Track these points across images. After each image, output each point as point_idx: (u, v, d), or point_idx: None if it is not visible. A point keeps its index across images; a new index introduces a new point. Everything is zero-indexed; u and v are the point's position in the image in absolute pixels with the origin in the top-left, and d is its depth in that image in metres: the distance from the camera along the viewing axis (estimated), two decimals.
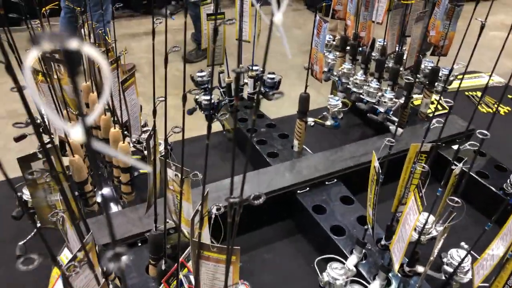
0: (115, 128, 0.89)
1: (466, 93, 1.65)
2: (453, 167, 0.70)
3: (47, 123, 0.73)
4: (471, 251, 0.74)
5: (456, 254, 0.77)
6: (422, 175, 0.75)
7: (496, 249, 0.64)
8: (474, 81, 1.72)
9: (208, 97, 1.20)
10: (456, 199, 0.63)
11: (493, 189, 1.03)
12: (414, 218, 0.62)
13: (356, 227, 0.89)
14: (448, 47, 1.28)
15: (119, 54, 0.91)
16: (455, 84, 1.70)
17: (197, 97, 1.22)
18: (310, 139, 1.18)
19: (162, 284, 0.64)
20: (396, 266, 0.70)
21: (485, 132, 0.69)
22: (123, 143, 0.87)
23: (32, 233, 0.81)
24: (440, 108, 1.54)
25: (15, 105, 1.63)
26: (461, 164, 0.71)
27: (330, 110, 1.13)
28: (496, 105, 1.57)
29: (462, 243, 0.80)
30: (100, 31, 0.94)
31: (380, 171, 0.67)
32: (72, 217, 0.49)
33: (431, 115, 1.47)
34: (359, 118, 1.44)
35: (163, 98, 0.61)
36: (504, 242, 0.61)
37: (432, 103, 1.58)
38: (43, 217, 0.64)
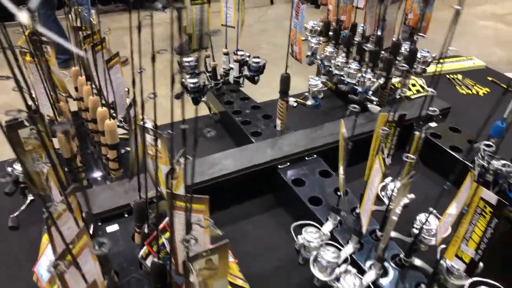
0: (102, 108, 0.93)
1: (448, 75, 1.70)
2: (417, 132, 0.75)
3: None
4: (437, 214, 0.80)
5: (424, 218, 0.82)
6: (391, 143, 0.80)
7: (454, 208, 0.69)
8: (455, 65, 1.77)
9: (194, 80, 1.24)
10: (412, 156, 0.68)
11: (466, 161, 1.07)
12: (378, 179, 0.67)
13: (333, 198, 0.94)
14: (426, 28, 1.33)
15: (103, 35, 0.95)
16: (438, 68, 1.76)
17: (183, 80, 1.26)
18: (293, 119, 1.23)
19: (145, 246, 0.69)
20: (364, 228, 0.75)
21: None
22: (110, 120, 0.91)
23: (24, 205, 0.85)
24: (421, 90, 1.59)
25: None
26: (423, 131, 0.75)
27: (310, 90, 1.17)
28: (475, 87, 1.63)
29: (430, 208, 0.85)
30: (85, 14, 0.98)
31: (347, 137, 0.71)
32: (59, 180, 0.53)
33: (412, 96, 1.52)
34: (341, 100, 1.49)
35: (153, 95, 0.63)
36: (461, 200, 0.66)
37: (414, 85, 1.64)
38: (33, 184, 0.69)
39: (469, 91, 1.60)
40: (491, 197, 0.59)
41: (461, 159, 1.06)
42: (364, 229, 0.74)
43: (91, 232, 0.60)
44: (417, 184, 0.71)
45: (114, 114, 0.99)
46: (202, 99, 1.28)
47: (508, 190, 0.92)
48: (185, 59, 1.28)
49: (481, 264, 0.76)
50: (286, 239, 0.94)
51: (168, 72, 0.50)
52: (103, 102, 0.94)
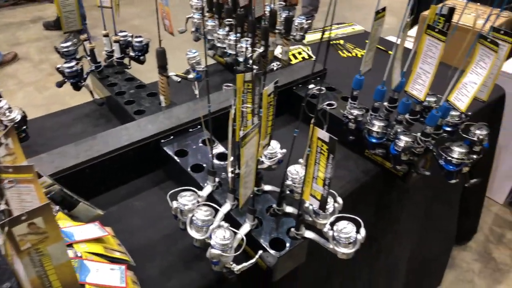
0: None
1: (331, 42, 1.81)
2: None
3: None
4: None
5: (293, 169, 0.89)
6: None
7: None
8: (337, 31, 1.89)
9: (70, 64, 1.19)
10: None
11: (339, 116, 1.16)
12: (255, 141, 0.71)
13: (215, 163, 0.97)
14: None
15: None
16: (317, 36, 1.86)
17: (58, 66, 1.21)
18: (182, 95, 1.23)
19: None
20: (241, 189, 0.79)
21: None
22: None
23: None
24: (306, 56, 1.68)
25: None
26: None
27: (189, 62, 1.18)
28: (355, 50, 1.75)
29: (300, 159, 0.92)
30: None
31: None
32: None
33: (294, 62, 1.60)
34: (232, 74, 1.52)
35: None
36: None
37: (300, 53, 1.72)
38: None
39: (350, 54, 1.72)
40: (325, 135, 0.65)
41: (341, 118, 1.13)
42: (240, 199, 0.77)
43: None
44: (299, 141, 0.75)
45: None
46: (83, 84, 1.24)
47: (368, 134, 1.02)
48: (62, 44, 1.23)
49: (340, 201, 0.85)
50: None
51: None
52: None
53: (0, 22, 4.38)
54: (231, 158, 0.83)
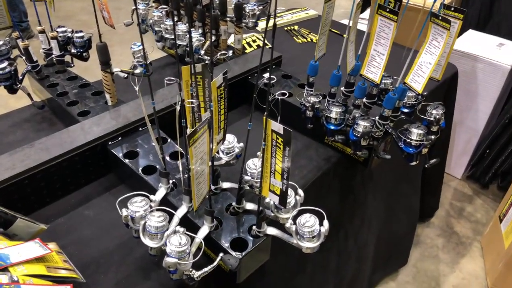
0: None
1: (285, 28, 1.77)
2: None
3: None
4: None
5: (251, 163, 0.84)
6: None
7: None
8: (291, 17, 1.85)
9: (1, 66, 1.09)
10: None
11: (296, 105, 1.13)
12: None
13: (168, 164, 0.91)
14: None
15: None
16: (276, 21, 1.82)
17: None
18: (130, 92, 1.15)
19: None
20: (193, 186, 0.73)
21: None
22: None
23: None
24: (261, 44, 1.63)
25: None
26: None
27: (134, 56, 1.11)
28: (310, 35, 1.72)
29: (258, 153, 0.87)
30: None
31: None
32: None
33: (248, 51, 1.55)
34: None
35: None
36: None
37: (255, 41, 1.67)
38: None
39: (305, 40, 1.69)
40: (279, 127, 0.61)
41: (297, 106, 1.10)
42: (193, 187, 0.72)
43: None
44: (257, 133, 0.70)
45: None
46: (19, 86, 1.13)
47: (326, 122, 0.99)
48: None
49: (301, 193, 0.81)
50: None
51: None
52: None
53: None
54: (183, 159, 0.78)
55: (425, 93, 1.03)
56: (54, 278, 0.65)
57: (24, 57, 1.20)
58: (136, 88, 0.70)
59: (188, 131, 0.59)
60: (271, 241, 0.82)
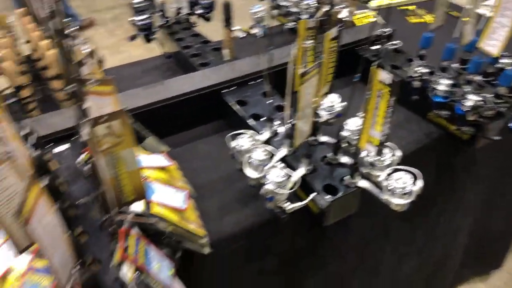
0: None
1: (399, 7, 1.73)
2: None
3: None
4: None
5: (352, 121, 0.89)
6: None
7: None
8: None
9: (141, 17, 1.27)
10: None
11: (403, 77, 1.13)
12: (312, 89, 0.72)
13: (273, 113, 1.00)
14: None
15: None
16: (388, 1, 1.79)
17: (131, 18, 1.28)
18: (245, 51, 1.26)
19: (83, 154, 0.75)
20: (297, 134, 0.81)
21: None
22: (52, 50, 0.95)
23: None
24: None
25: None
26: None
27: (253, 17, 1.20)
28: (426, 16, 1.67)
29: (359, 113, 0.91)
30: None
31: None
32: None
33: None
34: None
35: None
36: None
37: (366, 18, 1.67)
38: None
39: (420, 20, 1.64)
40: (387, 77, 0.65)
41: (405, 79, 1.10)
42: (297, 135, 0.79)
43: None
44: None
45: None
46: (153, 37, 1.31)
47: (433, 94, 0.98)
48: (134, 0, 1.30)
49: (398, 153, 0.84)
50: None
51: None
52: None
53: None
54: (289, 99, 0.84)
55: None
56: (183, 231, 0.74)
57: (159, 13, 1.38)
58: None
59: (301, 70, 0.66)
60: (361, 196, 0.86)
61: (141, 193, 0.58)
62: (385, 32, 1.29)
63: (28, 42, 1.10)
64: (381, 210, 0.98)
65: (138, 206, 0.66)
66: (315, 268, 1.02)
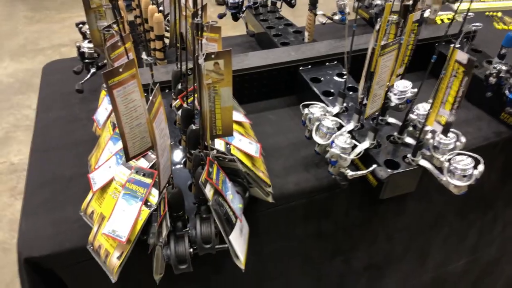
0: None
1: (486, 13, 1.70)
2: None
3: None
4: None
5: (421, 106, 0.93)
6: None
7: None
8: (496, 3, 1.76)
9: None
10: None
11: (479, 76, 1.14)
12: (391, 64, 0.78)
13: (346, 93, 1.06)
14: None
15: None
16: (476, 5, 1.76)
17: None
18: (324, 36, 1.33)
19: (178, 100, 0.86)
20: (367, 110, 0.86)
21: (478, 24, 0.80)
22: (157, 14, 1.08)
23: (88, 75, 1.06)
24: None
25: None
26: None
27: (337, 4, 1.27)
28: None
29: (430, 100, 0.95)
30: None
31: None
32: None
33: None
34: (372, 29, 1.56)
35: None
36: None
37: (449, 19, 1.66)
38: (95, 39, 0.87)
39: (505, 27, 1.60)
40: (464, 57, 0.69)
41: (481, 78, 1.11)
42: (367, 111, 0.85)
43: None
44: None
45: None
46: (241, 16, 1.42)
47: (509, 91, 0.99)
48: None
49: (462, 139, 0.87)
50: (301, 126, 1.09)
51: None
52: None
53: None
54: (364, 76, 0.90)
55: None
56: (254, 175, 0.80)
57: None
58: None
59: (383, 42, 0.72)
60: (419, 179, 0.90)
61: (229, 130, 0.68)
62: (468, 31, 1.30)
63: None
64: (436, 200, 1.01)
65: (220, 146, 0.76)
66: (364, 241, 1.07)
